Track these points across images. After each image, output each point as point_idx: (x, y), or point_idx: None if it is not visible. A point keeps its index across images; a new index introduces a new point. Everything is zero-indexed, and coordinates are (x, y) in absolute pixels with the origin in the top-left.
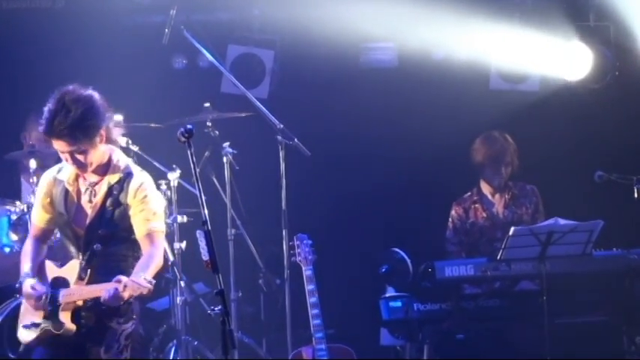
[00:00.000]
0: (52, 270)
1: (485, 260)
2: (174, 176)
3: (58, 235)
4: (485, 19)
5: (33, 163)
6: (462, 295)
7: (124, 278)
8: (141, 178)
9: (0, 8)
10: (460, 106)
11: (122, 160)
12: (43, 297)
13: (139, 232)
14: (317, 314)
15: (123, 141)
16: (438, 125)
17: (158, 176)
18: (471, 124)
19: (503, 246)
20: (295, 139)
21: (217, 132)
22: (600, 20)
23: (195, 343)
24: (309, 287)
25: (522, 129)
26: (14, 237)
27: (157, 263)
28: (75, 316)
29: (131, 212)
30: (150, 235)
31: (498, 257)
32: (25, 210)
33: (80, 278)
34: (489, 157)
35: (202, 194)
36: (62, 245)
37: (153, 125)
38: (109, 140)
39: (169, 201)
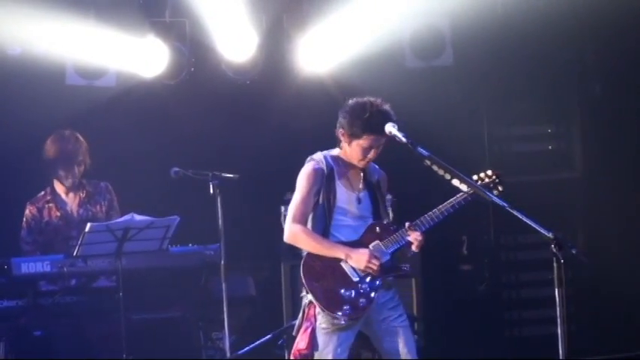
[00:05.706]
0: None
1: (62, 257)
2: None
3: None
4: (60, 14)
5: None
6: (39, 291)
7: None
8: None
9: None
10: (37, 102)
11: None
12: None
13: None
14: None
15: None
16: (15, 122)
17: None
18: (48, 120)
19: (79, 242)
20: None
21: None
22: (176, 16)
23: None
24: None
25: (99, 125)
26: None
27: None
28: None
29: None
30: None
31: (75, 254)
32: None
33: None
34: (61, 157)
35: None
36: None
37: None
38: None
39: None
